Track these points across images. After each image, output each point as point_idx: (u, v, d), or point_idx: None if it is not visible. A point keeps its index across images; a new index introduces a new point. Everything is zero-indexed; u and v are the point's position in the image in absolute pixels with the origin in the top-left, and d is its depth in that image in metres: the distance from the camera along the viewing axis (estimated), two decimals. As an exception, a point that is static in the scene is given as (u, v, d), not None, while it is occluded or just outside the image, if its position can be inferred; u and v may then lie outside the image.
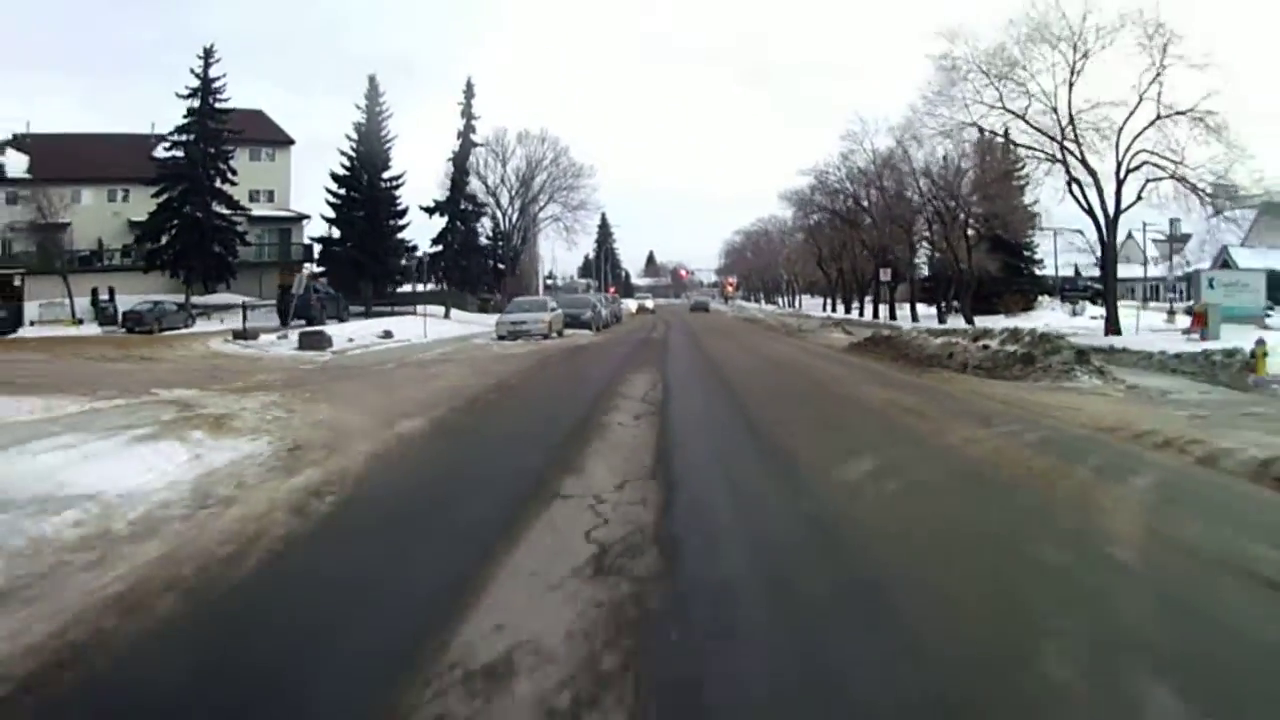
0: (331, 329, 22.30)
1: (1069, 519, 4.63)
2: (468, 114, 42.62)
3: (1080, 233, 55.39)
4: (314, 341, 19.40)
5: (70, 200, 47.95)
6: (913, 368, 14.32)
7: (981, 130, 26.00)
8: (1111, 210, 21.68)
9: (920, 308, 40.89)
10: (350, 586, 3.56)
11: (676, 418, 8.28)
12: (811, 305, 63.75)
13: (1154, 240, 70.13)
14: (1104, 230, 22.18)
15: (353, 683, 2.63)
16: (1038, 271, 45.17)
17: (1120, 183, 21.21)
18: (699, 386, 11.98)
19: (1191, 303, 27.46)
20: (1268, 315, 30.86)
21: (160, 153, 45.35)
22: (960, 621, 3.13)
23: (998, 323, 25.68)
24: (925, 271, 43.28)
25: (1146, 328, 26.22)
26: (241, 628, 3.21)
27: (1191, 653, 2.88)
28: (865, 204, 38.20)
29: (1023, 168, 29.28)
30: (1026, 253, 43.67)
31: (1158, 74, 20.26)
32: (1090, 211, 22.13)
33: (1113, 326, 22.45)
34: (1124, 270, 63.09)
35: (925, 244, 34.80)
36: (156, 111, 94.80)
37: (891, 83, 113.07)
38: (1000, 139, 25.67)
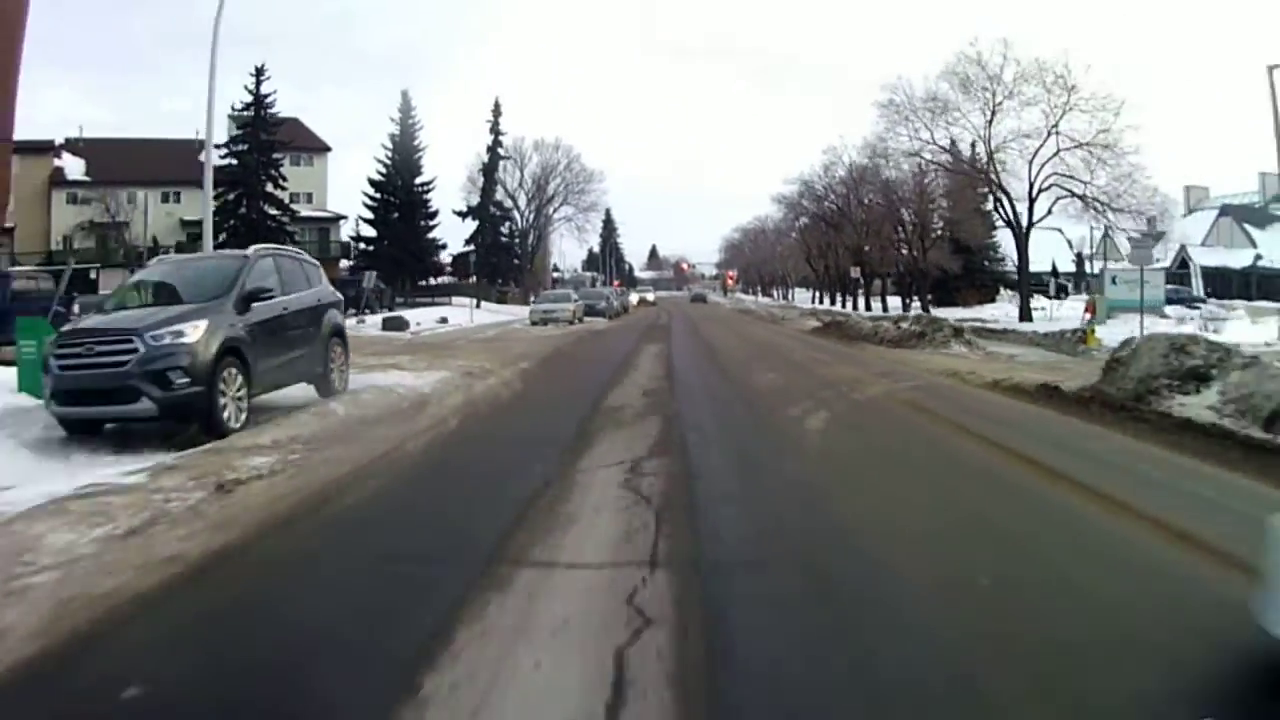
0: (403, 314, 28.02)
1: (848, 389, 10.40)
2: (495, 131, 48.84)
3: (1059, 231, 60.98)
4: (396, 324, 25.20)
5: (127, 200, 53.80)
6: (846, 341, 20.13)
7: (952, 153, 31.54)
8: (1025, 223, 27.37)
9: (894, 300, 46.61)
10: (554, 399, 9.37)
11: (677, 362, 14.09)
12: (803, 298, 69.48)
13: (1128, 239, 75.73)
14: (1019, 238, 27.88)
15: (576, 412, 8.38)
16: (1000, 268, 50.79)
17: (1032, 201, 26.93)
18: (691, 350, 17.77)
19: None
20: (1195, 307, 36.58)
21: (216, 159, 51.08)
22: (766, 398, 8.89)
23: (954, 313, 31.30)
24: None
25: (1075, 316, 31.87)
26: (522, 407, 9.02)
27: (860, 419, 8.62)
28: (844, 210, 43.88)
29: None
30: (992, 252, 49.56)
31: (1060, 115, 25.93)
32: (1009, 223, 27.84)
33: (1025, 315, 28.13)
34: (1100, 266, 68.47)
35: (892, 246, 40.41)
36: (160, 105, 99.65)
37: (896, 76, 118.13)
38: (941, 166, 31.25)
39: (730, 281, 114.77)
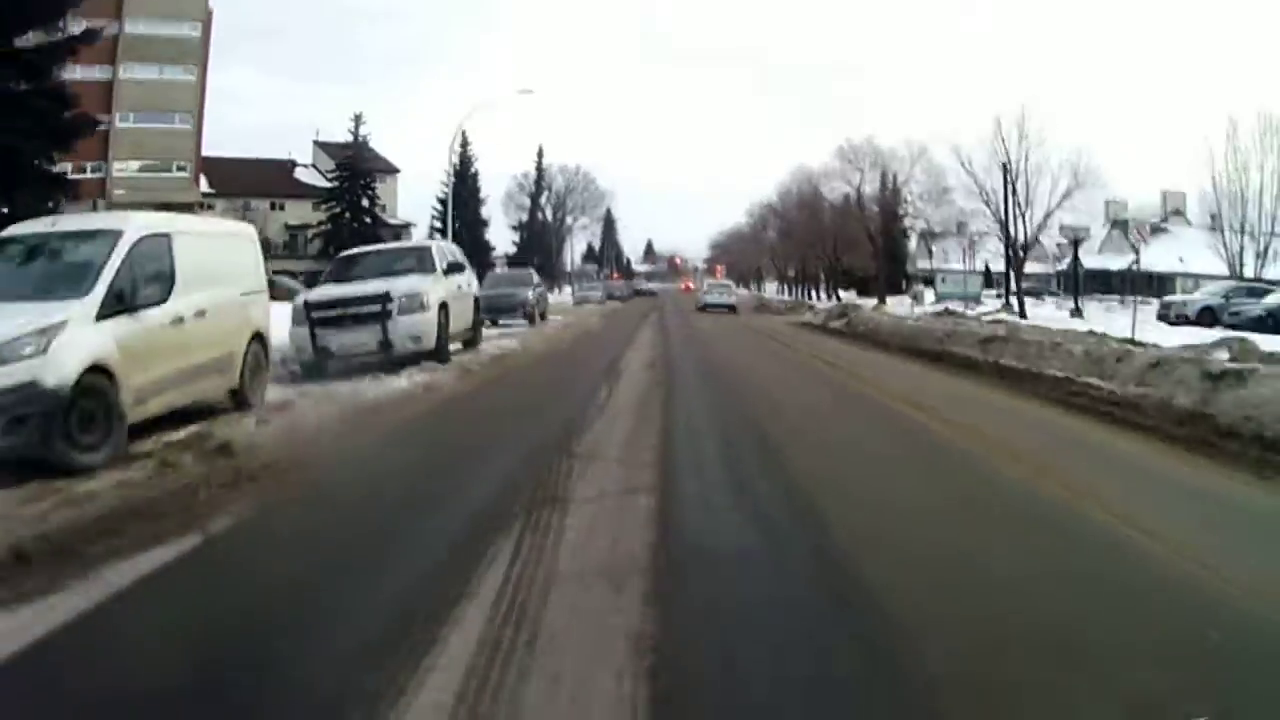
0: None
1: (730, 321, 29.54)
2: (539, 169, 68.04)
3: (999, 234, 79.80)
4: (502, 302, 44.12)
5: (244, 208, 72.17)
6: (757, 311, 39.26)
7: (833, 204, 50.47)
8: (881, 245, 46.44)
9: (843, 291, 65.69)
10: (625, 321, 28.68)
11: (668, 314, 33.26)
12: (771, 289, 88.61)
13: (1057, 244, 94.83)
14: (878, 254, 46.91)
15: (634, 322, 27.54)
16: (912, 269, 69.87)
17: (886, 233, 45.92)
18: (674, 313, 36.82)
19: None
20: (1043, 298, 55.44)
21: (315, 179, 70.03)
22: (694, 317, 28.20)
23: (861, 300, 50.33)
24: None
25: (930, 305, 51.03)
26: (616, 323, 28.33)
27: (724, 323, 27.85)
28: (791, 226, 62.88)
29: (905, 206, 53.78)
30: (905, 256, 68.76)
31: (904, 181, 44.95)
32: (873, 244, 46.88)
33: (881, 301, 47.14)
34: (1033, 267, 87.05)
35: (820, 254, 59.35)
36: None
37: (886, 81, 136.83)
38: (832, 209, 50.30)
39: (718, 275, 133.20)
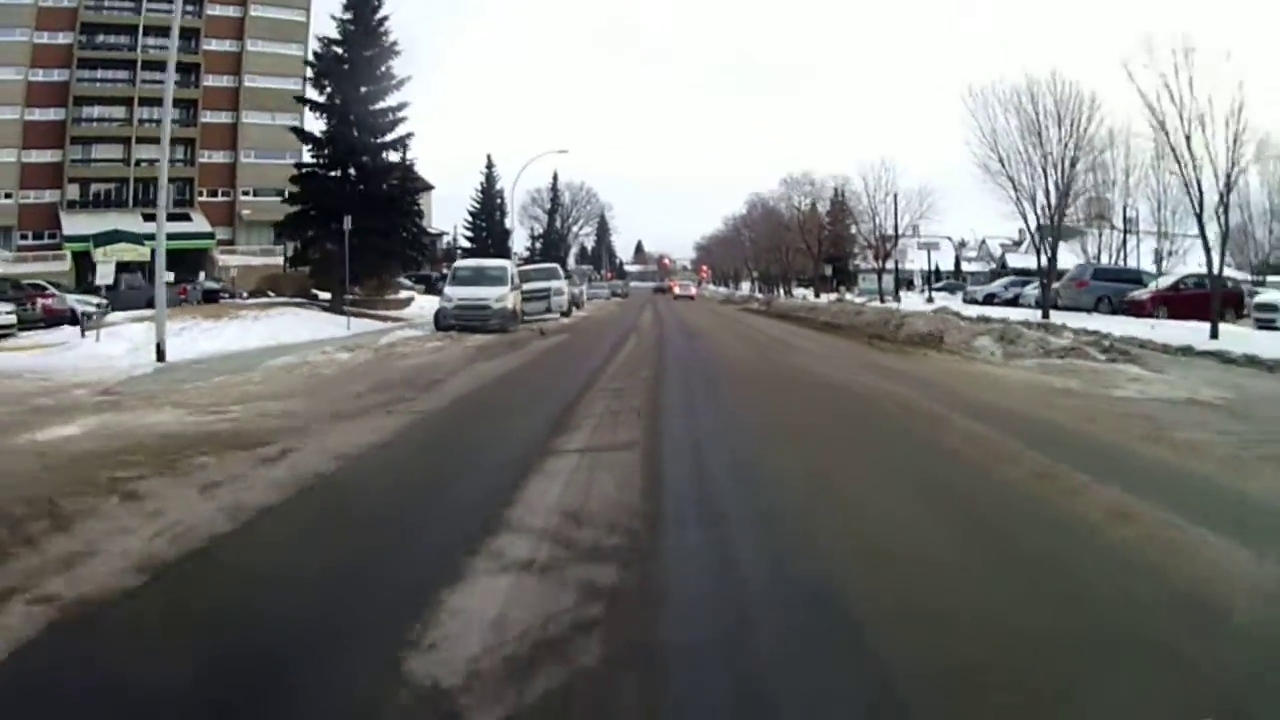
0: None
1: (695, 305, 48.35)
2: (555, 190, 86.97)
3: (949, 240, 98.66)
4: (539, 296, 62.77)
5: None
6: (722, 304, 58.03)
7: (781, 222, 69.19)
8: (819, 252, 65.23)
9: (799, 290, 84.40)
10: (635, 304, 47.61)
11: (659, 306, 52.05)
12: (745, 288, 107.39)
13: (1000, 245, 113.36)
14: (817, 262, 65.63)
15: (640, 304, 46.32)
16: (858, 268, 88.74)
17: (820, 242, 64.69)
18: (663, 302, 55.49)
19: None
20: (955, 291, 74.03)
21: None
22: (670, 304, 47.14)
23: (812, 299, 69.06)
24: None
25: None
26: (627, 307, 47.19)
27: (686, 307, 46.68)
28: (755, 236, 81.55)
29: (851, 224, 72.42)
30: (855, 260, 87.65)
31: (830, 206, 63.64)
32: (811, 254, 65.60)
33: (816, 295, 65.78)
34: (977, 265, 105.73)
35: (775, 259, 78.02)
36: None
37: (867, 80, 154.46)
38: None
39: (703, 275, 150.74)
